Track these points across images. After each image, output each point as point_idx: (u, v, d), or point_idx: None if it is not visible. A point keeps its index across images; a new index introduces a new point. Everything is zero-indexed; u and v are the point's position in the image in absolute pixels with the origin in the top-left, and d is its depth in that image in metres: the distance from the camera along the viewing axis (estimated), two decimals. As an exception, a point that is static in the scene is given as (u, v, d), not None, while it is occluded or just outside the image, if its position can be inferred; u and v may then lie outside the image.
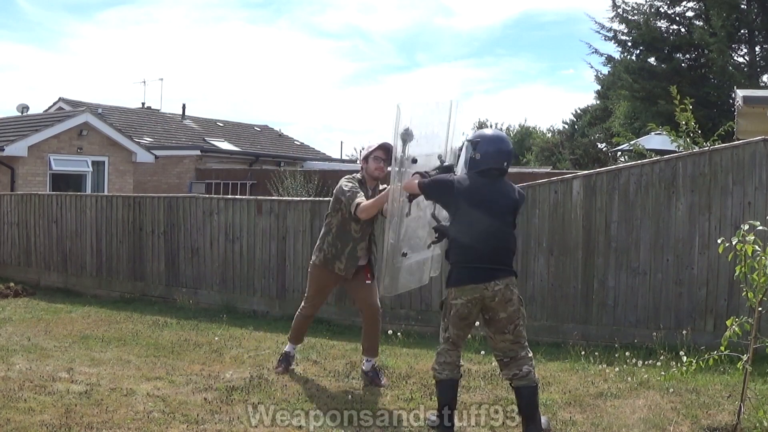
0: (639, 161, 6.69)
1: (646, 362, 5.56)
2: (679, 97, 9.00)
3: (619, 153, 19.45)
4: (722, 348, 3.96)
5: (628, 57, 24.15)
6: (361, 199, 4.86)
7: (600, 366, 5.60)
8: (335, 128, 76.32)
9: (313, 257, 5.29)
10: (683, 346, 5.62)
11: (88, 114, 16.36)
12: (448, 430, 4.08)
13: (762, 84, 21.79)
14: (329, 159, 27.77)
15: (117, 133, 16.94)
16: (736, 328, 3.90)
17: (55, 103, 23.36)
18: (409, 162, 4.45)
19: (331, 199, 5.22)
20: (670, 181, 6.26)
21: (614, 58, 24.79)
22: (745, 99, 9.22)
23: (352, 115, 79.17)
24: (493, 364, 5.50)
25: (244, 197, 8.93)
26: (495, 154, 4.10)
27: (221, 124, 27.25)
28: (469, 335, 5.32)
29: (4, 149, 14.31)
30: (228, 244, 8.32)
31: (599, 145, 33.18)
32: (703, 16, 22.60)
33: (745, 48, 23.12)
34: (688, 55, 23.58)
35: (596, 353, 5.85)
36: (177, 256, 8.73)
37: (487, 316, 4.10)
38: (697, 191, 6.17)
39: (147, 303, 8.68)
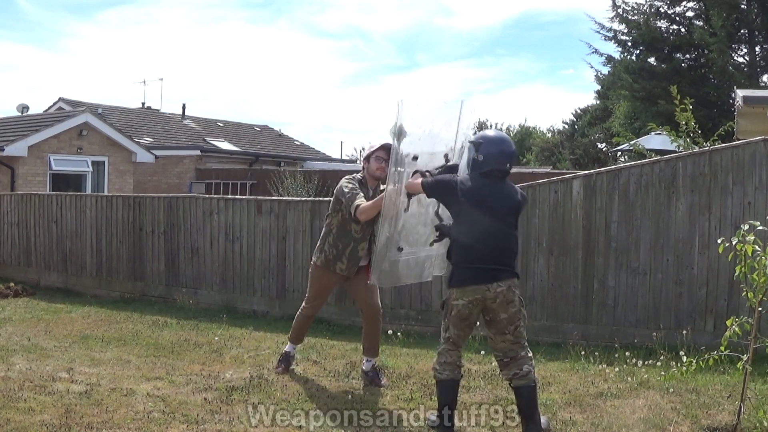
0: (639, 161, 6.69)
1: (646, 362, 5.56)
2: (679, 97, 9.01)
3: (619, 153, 19.45)
4: (722, 348, 3.96)
5: (628, 57, 24.15)
6: (360, 200, 4.86)
7: (600, 366, 5.60)
8: (335, 128, 76.40)
9: (314, 258, 5.29)
10: (683, 346, 5.62)
11: (88, 114, 16.36)
12: (448, 430, 4.08)
13: (762, 84, 21.78)
14: (329, 159, 27.78)
15: (117, 133, 16.94)
16: (736, 328, 3.90)
17: (55, 103, 23.36)
18: (408, 159, 4.45)
19: (332, 199, 5.22)
20: (670, 181, 6.26)
21: (614, 58, 24.79)
22: (745, 99, 9.22)
23: (352, 115, 79.23)
24: (493, 364, 5.50)
25: (244, 197, 8.93)
26: (497, 156, 4.10)
27: (221, 124, 27.25)
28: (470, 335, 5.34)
29: (4, 149, 14.31)
30: (228, 244, 8.32)
31: (599, 145, 33.19)
32: (703, 16, 22.59)
33: (745, 48, 23.12)
34: (688, 55, 23.57)
35: (596, 353, 5.85)
36: (177, 256, 8.73)
37: (488, 317, 4.10)
38: (697, 191, 6.17)
39: (147, 303, 8.68)
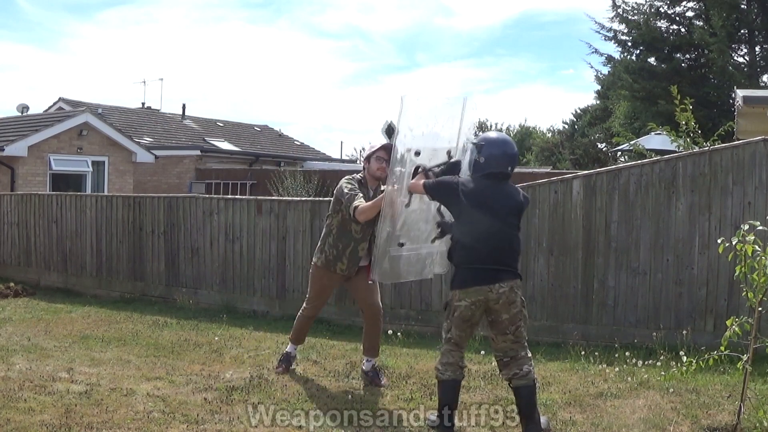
0: (639, 161, 6.69)
1: (646, 362, 5.56)
2: (679, 97, 9.01)
3: (619, 153, 19.45)
4: (722, 348, 3.96)
5: (628, 57, 24.15)
6: (359, 201, 4.86)
7: (600, 366, 5.60)
8: (335, 128, 76.39)
9: (315, 258, 5.29)
10: (683, 346, 5.62)
11: (88, 114, 16.36)
12: (448, 430, 4.08)
13: (762, 84, 21.78)
14: (329, 159, 27.77)
15: (117, 133, 16.93)
16: (736, 328, 3.90)
17: (55, 103, 23.36)
18: (411, 155, 4.44)
19: (332, 199, 5.22)
20: (670, 181, 6.26)
21: (614, 58, 24.79)
22: (745, 99, 9.22)
23: (352, 115, 79.21)
24: (493, 364, 5.49)
25: (244, 197, 8.93)
26: (499, 158, 4.10)
27: (221, 124, 27.25)
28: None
29: (4, 149, 14.31)
30: (228, 244, 8.32)
31: (599, 145, 33.20)
32: (703, 16, 22.59)
33: (745, 48, 23.12)
34: (688, 55, 23.57)
35: (596, 353, 5.85)
36: (177, 256, 8.73)
37: (491, 318, 4.10)
38: (697, 191, 6.17)
39: (147, 303, 8.68)
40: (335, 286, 5.50)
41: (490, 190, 4.09)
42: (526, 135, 43.92)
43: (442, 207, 4.46)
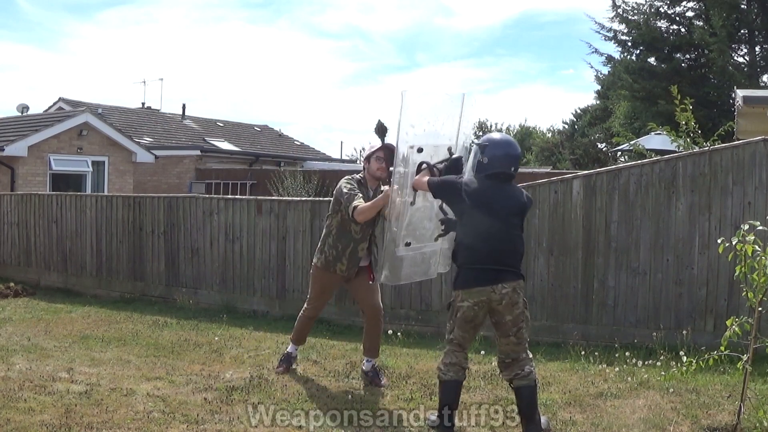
0: (639, 161, 6.69)
1: (646, 362, 5.56)
2: (679, 97, 9.00)
3: (619, 153, 19.45)
4: (722, 348, 3.97)
5: (628, 57, 24.13)
6: (358, 201, 4.85)
7: (600, 366, 5.60)
8: (335, 128, 76.40)
9: (315, 259, 5.29)
10: (683, 346, 5.62)
11: (88, 114, 16.36)
12: (448, 430, 4.08)
13: (762, 84, 21.77)
14: (329, 159, 27.76)
15: (117, 133, 16.93)
16: (736, 328, 3.90)
17: (55, 103, 23.35)
18: (414, 152, 4.44)
19: (331, 200, 5.22)
20: (670, 181, 6.26)
21: (614, 58, 24.78)
22: (745, 99, 9.22)
23: (352, 115, 79.21)
24: (493, 364, 5.50)
25: (244, 197, 8.93)
26: (503, 158, 4.10)
27: (221, 124, 27.24)
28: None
29: (4, 149, 14.30)
30: (228, 244, 8.32)
31: (599, 145, 33.19)
32: (703, 16, 22.57)
33: (745, 48, 23.10)
34: (688, 55, 23.56)
35: (596, 353, 5.85)
36: (177, 256, 8.73)
37: (494, 320, 4.11)
38: (697, 191, 6.17)
39: (147, 303, 8.68)
40: (336, 287, 5.50)
41: (493, 190, 4.10)
42: (526, 135, 43.90)
43: (444, 204, 4.47)
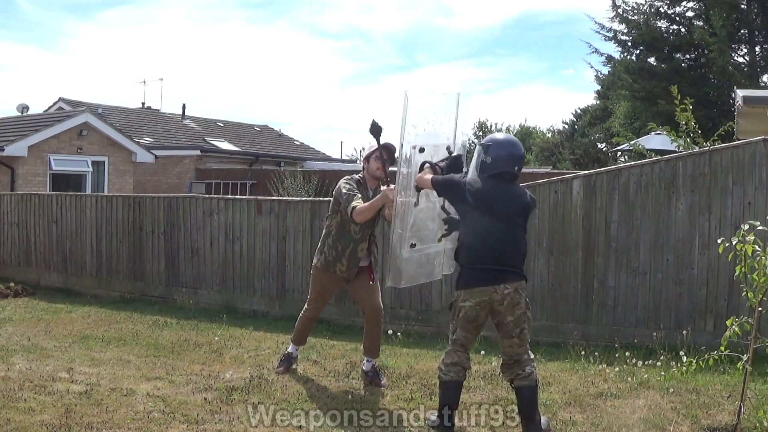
0: (639, 161, 6.69)
1: (646, 362, 5.56)
2: (679, 97, 9.00)
3: (619, 153, 19.45)
4: (722, 348, 3.97)
5: (628, 57, 24.13)
6: (357, 202, 4.85)
7: (600, 366, 5.60)
8: (335, 128, 76.45)
9: (315, 259, 5.29)
10: (683, 346, 5.62)
11: (88, 114, 16.35)
12: (448, 430, 4.08)
13: (762, 84, 21.76)
14: (329, 159, 27.76)
15: (117, 133, 16.93)
16: (736, 328, 3.90)
17: (55, 103, 23.35)
18: (416, 152, 4.44)
19: (331, 200, 5.22)
20: (670, 181, 6.26)
21: (614, 58, 24.77)
22: (745, 99, 9.22)
23: (352, 115, 79.28)
24: (493, 364, 5.51)
25: (244, 197, 8.93)
26: (506, 159, 4.11)
27: (221, 124, 27.24)
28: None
29: (4, 149, 14.30)
30: (228, 244, 8.32)
31: (599, 145, 33.20)
32: (703, 16, 22.57)
33: (745, 48, 23.09)
34: (688, 55, 23.55)
35: (596, 353, 5.85)
36: (177, 256, 8.73)
37: (496, 320, 4.11)
38: (697, 191, 6.17)
39: (147, 303, 8.68)
40: (336, 287, 5.49)
41: (497, 190, 4.10)
42: (526, 135, 43.89)
43: (446, 204, 4.47)
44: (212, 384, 5.12)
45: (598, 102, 34.45)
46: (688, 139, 8.97)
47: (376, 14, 76.54)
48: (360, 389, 5.09)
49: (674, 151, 8.54)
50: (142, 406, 4.59)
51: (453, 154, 4.50)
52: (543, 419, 4.16)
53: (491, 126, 44.09)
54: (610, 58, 24.99)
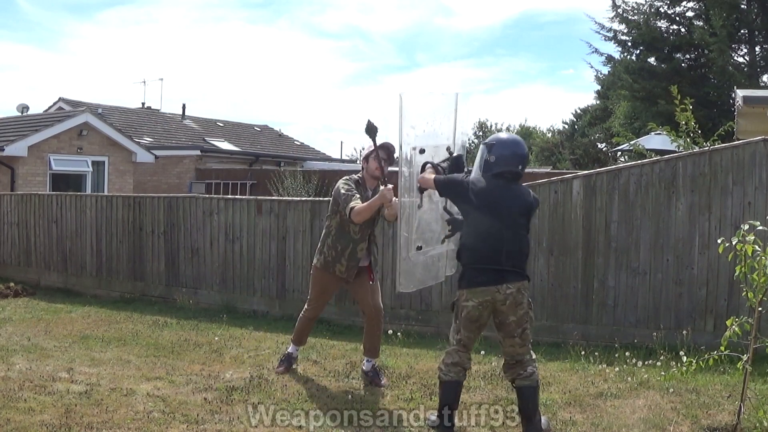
0: (639, 161, 6.69)
1: (646, 362, 5.55)
2: (679, 97, 9.00)
3: (619, 153, 19.45)
4: (722, 348, 3.96)
5: (628, 57, 24.13)
6: (355, 202, 4.86)
7: (600, 366, 5.60)
8: (335, 128, 76.49)
9: (315, 260, 5.30)
10: (683, 346, 5.61)
11: (88, 114, 16.35)
12: (448, 430, 4.08)
13: (762, 84, 21.76)
14: (329, 159, 27.76)
15: (117, 133, 16.92)
16: (736, 328, 3.90)
17: (55, 103, 23.35)
18: (416, 152, 4.45)
19: (330, 200, 5.22)
20: (670, 181, 6.26)
21: (614, 58, 24.77)
22: (745, 99, 9.22)
23: (352, 115, 79.34)
24: (493, 364, 5.51)
25: (244, 197, 8.93)
26: (509, 158, 4.10)
27: (221, 124, 27.24)
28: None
29: (4, 149, 14.30)
30: (228, 244, 8.32)
31: (599, 145, 33.18)
32: (703, 16, 22.56)
33: (745, 48, 23.09)
34: (688, 55, 23.55)
35: (596, 353, 5.85)
36: (177, 256, 8.73)
37: (498, 320, 4.10)
38: (697, 191, 6.17)
39: (147, 303, 8.68)
40: (336, 288, 5.49)
41: (500, 190, 4.09)
42: (526, 135, 43.84)
43: (448, 204, 4.47)
44: (212, 384, 5.12)
45: (598, 102, 34.44)
46: (688, 139, 8.97)
47: (376, 14, 76.59)
48: (360, 389, 5.09)
49: (674, 151, 8.54)
50: (142, 406, 4.59)
51: (454, 155, 4.50)
52: (543, 419, 4.16)
53: (491, 126, 44.12)
54: (610, 58, 25.00)
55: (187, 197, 9.14)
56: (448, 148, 4.56)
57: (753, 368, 4.09)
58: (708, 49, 20.97)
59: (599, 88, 30.85)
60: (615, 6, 23.72)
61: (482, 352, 5.95)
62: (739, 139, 7.32)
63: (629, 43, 24.02)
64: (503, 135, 4.30)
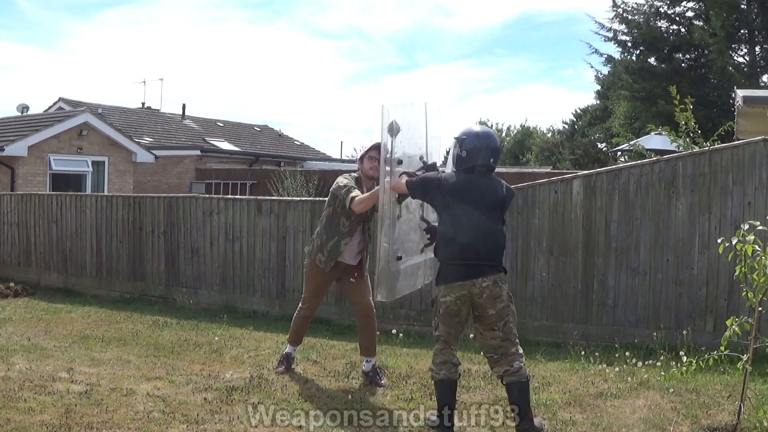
0: (639, 161, 6.69)
1: (646, 362, 5.55)
2: (678, 97, 9.00)
3: (619, 153, 19.44)
4: (722, 348, 3.96)
5: (628, 57, 24.14)
6: (356, 193, 4.93)
7: (600, 366, 5.60)
8: (335, 128, 76.48)
9: (306, 249, 5.38)
10: (683, 346, 5.61)
11: (88, 114, 16.35)
12: (448, 430, 4.08)
13: (762, 84, 21.76)
14: (329, 159, 27.77)
15: (117, 133, 16.93)
16: (736, 328, 3.90)
17: (55, 103, 23.35)
18: (395, 162, 4.48)
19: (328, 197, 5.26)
20: (670, 181, 6.26)
21: (614, 58, 24.79)
22: (745, 99, 9.22)
23: (352, 115, 79.34)
24: (493, 364, 5.50)
25: (244, 197, 8.93)
26: (481, 151, 4.12)
27: (221, 124, 27.24)
28: (471, 335, 5.34)
29: (4, 149, 14.30)
30: (228, 244, 8.32)
31: (599, 145, 33.16)
32: (703, 16, 22.58)
33: (745, 48, 23.10)
34: (688, 55, 23.56)
35: (596, 353, 5.85)
36: (177, 256, 8.73)
37: (477, 313, 4.11)
38: (697, 191, 6.17)
39: (147, 303, 8.68)
40: (329, 284, 5.50)
41: (473, 184, 4.11)
42: (526, 135, 43.90)
43: (425, 213, 4.52)
44: (212, 384, 5.12)
45: (598, 102, 34.43)
46: (688, 139, 8.97)
47: (376, 14, 76.60)
48: (360, 389, 5.09)
49: (674, 151, 8.53)
50: (142, 406, 4.59)
51: (428, 163, 4.52)
52: (536, 420, 4.14)
53: (491, 126, 44.09)
54: (610, 59, 25.03)
55: (187, 197, 9.14)
56: (420, 157, 4.59)
57: (753, 368, 4.09)
58: (708, 49, 20.98)
59: (599, 88, 30.87)
60: (615, 6, 23.75)
61: (482, 352, 5.93)
62: (739, 139, 7.32)
63: (629, 44, 24.04)
64: (475, 128, 4.28)
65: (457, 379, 4.21)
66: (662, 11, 23.56)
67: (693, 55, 23.39)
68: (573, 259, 6.56)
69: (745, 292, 3.98)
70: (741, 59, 22.85)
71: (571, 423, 4.35)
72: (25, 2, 67.30)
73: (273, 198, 8.91)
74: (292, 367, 5.54)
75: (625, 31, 23.88)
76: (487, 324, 4.09)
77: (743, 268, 3.91)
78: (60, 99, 23.31)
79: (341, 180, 5.11)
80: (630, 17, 23.55)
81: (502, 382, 4.15)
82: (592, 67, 33.92)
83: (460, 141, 4.16)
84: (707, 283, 6.12)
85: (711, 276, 6.10)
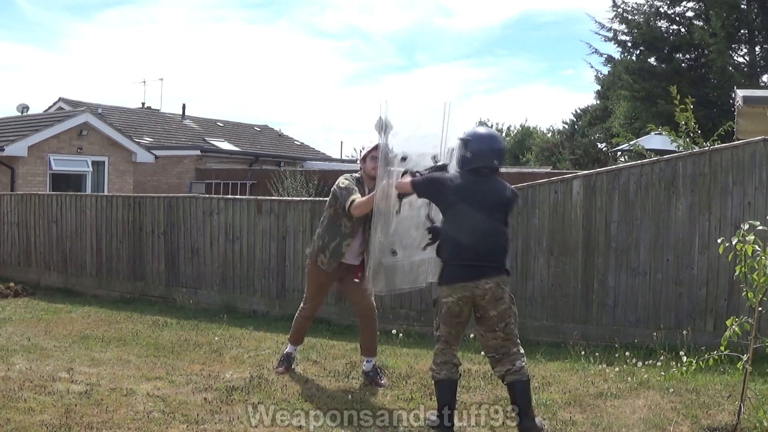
0: (639, 161, 6.69)
1: (646, 362, 5.56)
2: (678, 97, 9.00)
3: (619, 153, 19.44)
4: (722, 348, 3.97)
5: (628, 57, 24.13)
6: (356, 195, 4.93)
7: (600, 366, 5.60)
8: (335, 128, 76.43)
9: (308, 250, 5.37)
10: (683, 346, 5.61)
11: (88, 114, 16.35)
12: (448, 430, 4.08)
13: (762, 84, 21.76)
14: (329, 159, 27.77)
15: (117, 133, 16.93)
16: (736, 328, 3.90)
17: (55, 103, 23.35)
18: (397, 160, 4.47)
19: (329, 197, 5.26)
20: (670, 181, 6.26)
21: (614, 59, 24.78)
22: (745, 99, 9.22)
23: (352, 115, 79.31)
24: (493, 364, 5.50)
25: (244, 197, 8.93)
26: (486, 152, 4.12)
27: (221, 124, 27.24)
28: (471, 335, 5.34)
29: (4, 149, 14.30)
30: (228, 244, 8.32)
31: (599, 145, 33.16)
32: (703, 16, 22.57)
33: (745, 48, 23.10)
34: (688, 55, 23.56)
35: (596, 353, 5.85)
36: (177, 256, 8.73)
37: (478, 314, 4.12)
38: (697, 191, 6.17)
39: (147, 303, 8.68)
40: (330, 284, 5.50)
41: (478, 185, 4.11)
42: (526, 135, 43.88)
43: (432, 212, 4.50)
44: (212, 384, 5.12)
45: (598, 102, 34.43)
46: (688, 139, 8.97)
47: (376, 14, 76.61)
48: (360, 389, 5.09)
49: (674, 151, 8.53)
50: (142, 406, 4.59)
51: (438, 164, 4.50)
52: (537, 419, 4.14)
53: (492, 126, 44.06)
54: (610, 59, 25.01)
55: (187, 197, 9.14)
56: (434, 157, 4.57)
57: (753, 368, 4.09)
58: (708, 49, 20.98)
59: (599, 88, 30.86)
60: (615, 6, 23.75)
61: (482, 353, 5.93)
62: (739, 139, 7.32)
63: (629, 44, 24.03)
64: (480, 130, 4.30)
65: (458, 380, 4.21)
66: (662, 11, 23.55)
67: (693, 55, 23.39)
68: (573, 259, 6.56)
69: (745, 292, 3.98)
70: (741, 59, 22.86)
71: (571, 423, 4.35)
72: (25, 2, 67.36)
73: (273, 198, 8.91)
74: (292, 367, 5.54)
75: (625, 31, 23.89)
76: (489, 325, 4.09)
77: (743, 268, 3.91)
78: (60, 99, 23.31)
79: (342, 181, 5.09)
80: (630, 17, 23.55)
81: (503, 381, 4.15)
82: (592, 67, 33.90)
83: (465, 142, 4.16)
84: (707, 283, 6.12)
85: (711, 276, 6.10)
